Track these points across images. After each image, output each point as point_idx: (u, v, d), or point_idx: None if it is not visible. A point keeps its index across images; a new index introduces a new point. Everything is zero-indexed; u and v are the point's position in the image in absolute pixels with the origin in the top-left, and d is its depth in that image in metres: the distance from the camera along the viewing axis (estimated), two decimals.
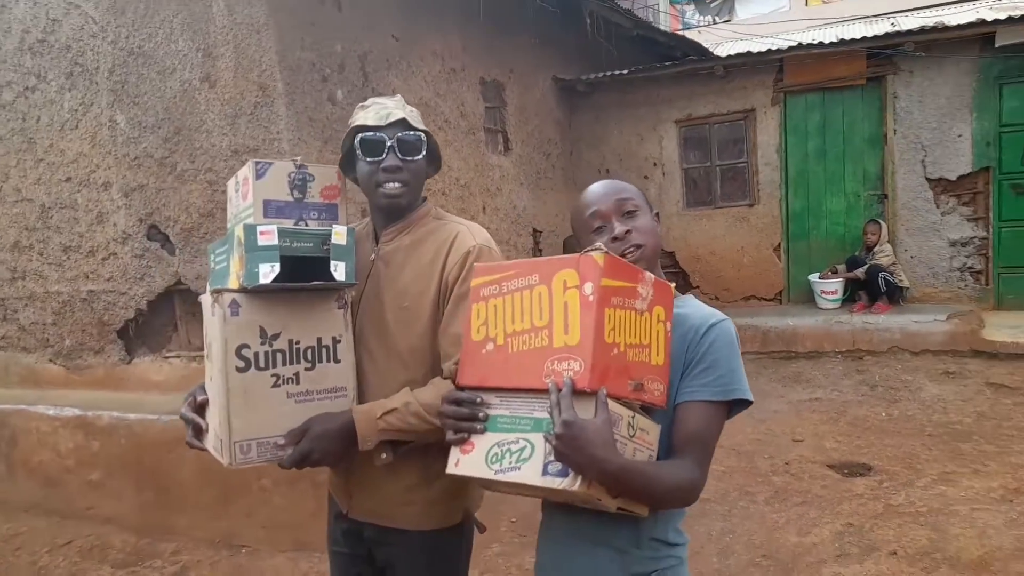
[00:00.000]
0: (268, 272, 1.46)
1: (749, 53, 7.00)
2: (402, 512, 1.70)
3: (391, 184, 1.61)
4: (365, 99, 4.57)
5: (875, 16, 10.15)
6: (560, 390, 1.15)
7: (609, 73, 7.31)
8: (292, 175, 1.57)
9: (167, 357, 4.42)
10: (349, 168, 1.73)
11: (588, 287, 1.17)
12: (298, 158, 1.62)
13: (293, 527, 3.64)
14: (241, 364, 1.50)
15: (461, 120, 5.58)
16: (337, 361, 1.60)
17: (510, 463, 1.23)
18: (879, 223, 6.78)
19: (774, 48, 7.05)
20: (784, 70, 7.05)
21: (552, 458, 1.15)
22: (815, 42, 6.81)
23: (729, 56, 7.08)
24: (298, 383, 1.55)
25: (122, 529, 4.02)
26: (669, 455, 1.29)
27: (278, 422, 1.53)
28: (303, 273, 1.50)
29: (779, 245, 7.36)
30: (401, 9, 4.88)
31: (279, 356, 1.54)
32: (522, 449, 1.22)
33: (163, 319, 4.42)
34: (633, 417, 1.22)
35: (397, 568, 1.75)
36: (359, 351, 1.67)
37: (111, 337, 4.52)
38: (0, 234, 4.78)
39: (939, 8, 9.41)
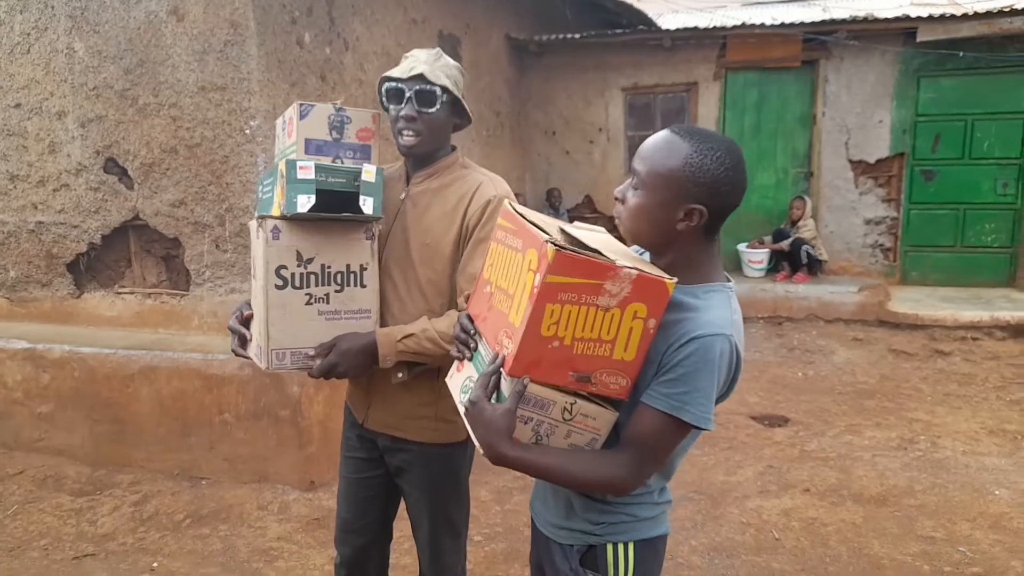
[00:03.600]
0: (305, 202, 1.65)
1: (696, 28, 7.28)
2: (412, 425, 1.91)
3: (407, 132, 1.78)
4: (332, 43, 4.59)
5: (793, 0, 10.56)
6: (491, 364, 1.24)
7: (561, 36, 7.46)
8: (331, 117, 1.74)
9: (120, 293, 4.39)
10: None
11: (536, 278, 1.15)
12: (338, 101, 1.77)
13: (255, 460, 3.77)
14: (280, 282, 1.70)
15: None
16: (363, 286, 1.80)
17: (465, 400, 1.35)
18: (804, 199, 7.27)
19: (719, 25, 7.34)
20: (727, 47, 7.38)
21: None
22: (757, 22, 7.14)
23: (678, 29, 7.34)
24: (328, 303, 1.75)
25: (75, 461, 4.05)
26: (619, 442, 1.31)
27: (309, 336, 1.74)
28: (337, 205, 1.68)
29: None
30: None
31: (312, 278, 1.73)
32: None
33: (116, 254, 4.37)
34: (573, 403, 1.25)
35: (408, 473, 1.98)
36: (384, 280, 1.86)
37: (60, 270, 4.44)
38: None
39: None
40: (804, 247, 7.05)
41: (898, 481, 3.81)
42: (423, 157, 1.85)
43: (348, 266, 1.77)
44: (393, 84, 1.78)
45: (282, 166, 1.65)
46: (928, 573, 2.99)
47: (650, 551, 1.44)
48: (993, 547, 3.17)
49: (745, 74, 7.49)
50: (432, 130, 1.79)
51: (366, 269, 1.80)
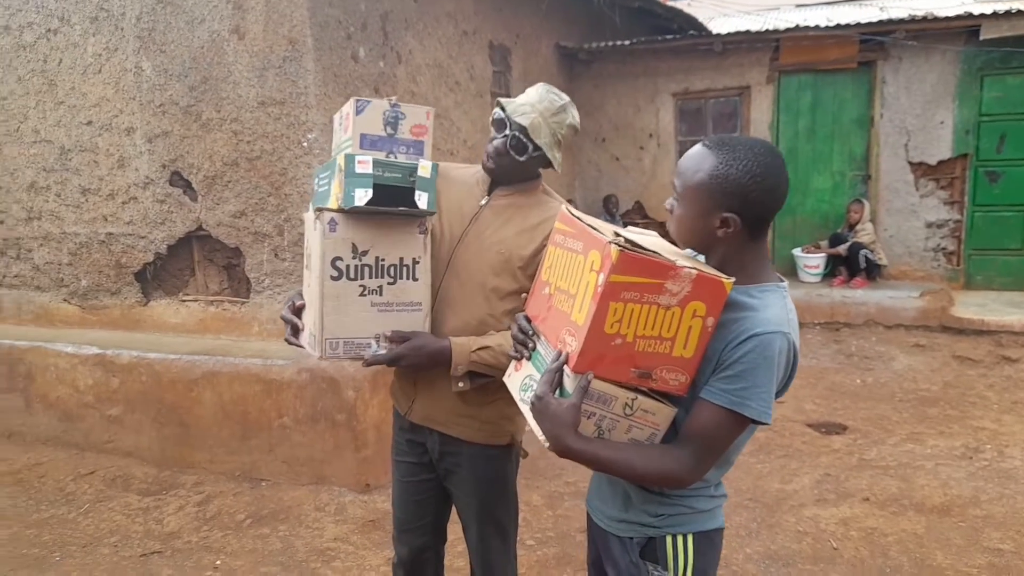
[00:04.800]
0: (362, 196, 1.69)
1: (748, 32, 7.18)
2: (458, 423, 1.96)
3: (491, 162, 1.89)
4: (385, 57, 4.70)
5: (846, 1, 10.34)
6: (556, 361, 1.29)
7: (611, 43, 7.46)
8: (386, 113, 1.77)
9: (184, 300, 4.57)
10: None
11: (600, 277, 1.21)
12: (393, 98, 1.82)
13: (313, 463, 3.87)
14: (335, 273, 1.74)
15: (471, 83, 5.72)
16: (415, 279, 1.84)
17: (528, 397, 1.39)
18: (862, 202, 7.09)
19: (771, 28, 7.24)
20: (780, 50, 7.26)
21: None
22: (811, 24, 7.02)
23: (728, 33, 7.26)
24: (381, 295, 1.80)
25: (142, 462, 4.22)
26: (678, 437, 1.35)
27: (362, 326, 1.79)
28: (393, 199, 1.73)
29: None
30: None
31: (367, 270, 1.78)
32: None
33: (181, 263, 4.56)
34: (634, 399, 1.30)
35: (455, 476, 2.02)
36: (450, 277, 1.92)
37: (128, 279, 4.65)
38: (16, 174, 4.86)
39: None
40: (862, 251, 6.87)
41: (962, 491, 3.68)
42: (492, 177, 1.95)
43: (401, 259, 1.82)
44: (500, 114, 1.86)
45: (340, 160, 1.71)
46: None
47: (707, 543, 1.47)
48: None
49: (799, 76, 7.36)
50: (513, 169, 1.89)
51: (419, 263, 1.84)
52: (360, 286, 1.78)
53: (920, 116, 6.96)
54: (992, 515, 3.43)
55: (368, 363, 1.82)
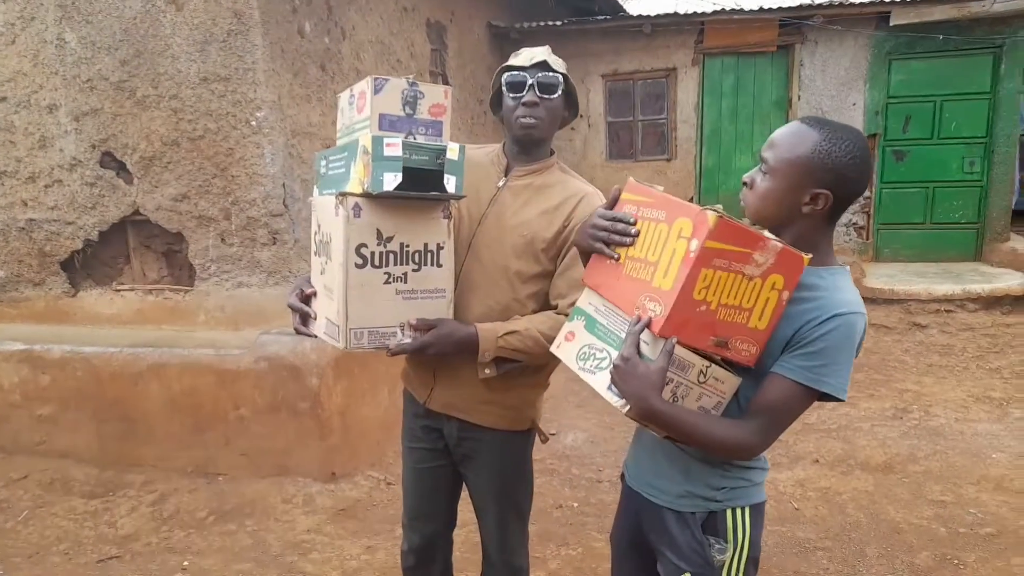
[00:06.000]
0: (392, 180, 1.62)
1: (676, 14, 7.36)
2: (479, 410, 1.94)
3: (527, 118, 1.82)
4: (330, 32, 4.57)
5: None
6: (637, 325, 1.29)
7: (542, 23, 7.47)
8: (405, 92, 1.69)
9: (118, 290, 4.30)
10: (497, 106, 1.95)
11: (694, 243, 1.22)
12: (411, 76, 1.75)
13: (274, 453, 3.75)
14: (359, 261, 1.68)
15: (411, 61, 5.60)
16: (439, 266, 1.78)
17: (591, 366, 1.42)
18: None
19: (698, 11, 7.44)
20: (705, 32, 7.48)
21: None
22: (736, 8, 7.26)
23: (657, 15, 7.40)
24: (405, 282, 1.74)
25: (81, 463, 3.96)
26: (746, 410, 1.38)
27: (386, 315, 1.73)
28: (421, 183, 1.66)
29: (691, 199, 7.89)
30: None
31: (391, 257, 1.72)
32: (603, 359, 1.40)
33: (114, 251, 4.28)
34: (708, 367, 1.32)
35: (474, 461, 2.00)
36: (472, 262, 1.88)
37: (53, 269, 4.33)
38: None
39: None
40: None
41: (900, 449, 3.97)
42: (532, 146, 1.89)
43: (426, 245, 1.76)
44: (516, 73, 1.82)
45: (366, 142, 1.62)
46: (945, 535, 3.13)
47: (759, 516, 1.52)
48: (1000, 508, 3.34)
49: (722, 59, 7.61)
50: (551, 116, 1.85)
51: (443, 248, 1.78)
52: (385, 273, 1.72)
53: (835, 98, 7.34)
54: (930, 470, 3.72)
55: (393, 352, 1.77)
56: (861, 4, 6.85)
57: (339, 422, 3.75)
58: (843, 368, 1.32)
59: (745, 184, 1.42)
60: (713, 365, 1.35)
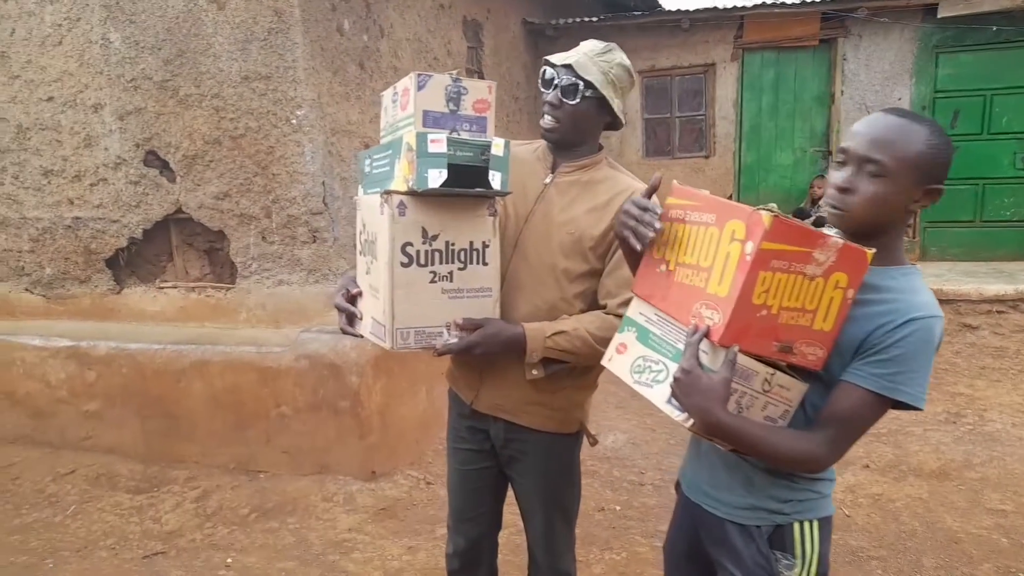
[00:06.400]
0: (437, 177, 1.59)
1: (715, 8, 7.23)
2: (527, 411, 1.89)
3: (547, 118, 1.79)
4: (368, 30, 4.55)
5: None
6: (695, 335, 1.23)
7: (579, 19, 7.40)
8: (448, 88, 1.66)
9: (162, 287, 4.34)
10: None
11: (749, 246, 1.17)
12: (454, 72, 1.72)
13: (315, 452, 3.75)
14: (405, 260, 1.65)
15: (448, 59, 5.58)
16: (485, 264, 1.74)
17: (647, 379, 1.37)
18: (825, 178, 7.25)
19: (738, 5, 7.31)
20: (744, 27, 7.34)
21: None
22: (776, 1, 7.11)
23: (696, 10, 7.29)
24: (451, 281, 1.71)
25: (126, 458, 4.01)
26: (814, 420, 1.32)
27: (433, 314, 1.70)
28: (466, 180, 1.63)
29: (730, 196, 7.76)
30: None
31: (437, 255, 1.68)
32: (660, 371, 1.35)
33: (157, 248, 4.32)
34: (772, 374, 1.27)
35: (522, 463, 1.96)
36: (519, 260, 1.84)
37: (98, 266, 4.38)
38: None
39: None
40: (826, 226, 7.05)
41: (954, 455, 3.84)
42: (563, 146, 1.84)
43: (471, 243, 1.73)
44: (548, 68, 1.78)
45: (410, 139, 1.60)
46: (1008, 547, 3.01)
47: (828, 529, 1.45)
48: None
49: (762, 54, 7.46)
50: (573, 121, 1.78)
51: (488, 246, 1.75)
52: (431, 272, 1.69)
53: (879, 93, 7.15)
54: (987, 477, 3.58)
55: (440, 353, 1.74)
56: None
57: (379, 421, 3.74)
58: (920, 375, 1.25)
59: (843, 189, 1.29)
60: (778, 372, 1.29)
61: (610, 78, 1.78)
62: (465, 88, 1.69)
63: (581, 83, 1.74)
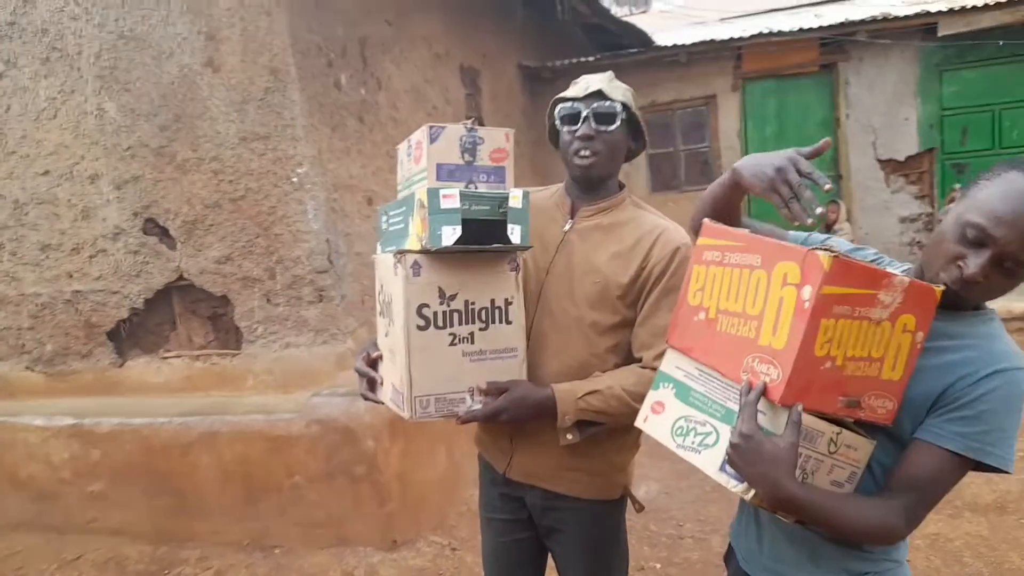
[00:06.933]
0: (451, 234, 1.49)
1: (712, 41, 7.22)
2: (564, 478, 1.73)
3: (584, 152, 1.63)
4: (366, 84, 4.49)
5: (809, 4, 10.60)
6: (750, 394, 1.08)
7: (574, 60, 7.39)
8: (463, 138, 1.57)
9: (165, 358, 4.19)
10: (554, 141, 1.77)
11: (807, 291, 1.04)
12: (469, 121, 1.62)
13: (332, 523, 3.55)
14: (422, 323, 1.53)
15: (447, 107, 5.53)
16: (509, 322, 1.62)
17: (692, 443, 1.22)
18: (838, 203, 7.14)
19: (735, 36, 7.29)
20: (743, 57, 7.31)
21: None
22: (775, 30, 7.09)
23: (693, 44, 7.27)
24: (473, 342, 1.58)
25: (135, 540, 3.81)
26: (885, 485, 1.18)
27: (454, 379, 1.57)
28: (483, 236, 1.52)
29: None
30: None
31: (456, 316, 1.57)
32: (708, 434, 1.20)
33: (160, 318, 4.19)
34: (838, 434, 1.13)
35: (562, 534, 1.79)
36: (543, 317, 1.70)
37: (100, 340, 4.25)
38: None
39: None
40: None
41: (1010, 487, 3.61)
42: (593, 185, 1.70)
43: (493, 301, 1.60)
44: (569, 104, 1.65)
45: (422, 195, 1.49)
46: None
47: None
48: None
49: (763, 83, 7.42)
50: (610, 150, 1.65)
51: (511, 304, 1.62)
52: (450, 335, 1.56)
53: (885, 114, 7.07)
54: None
55: (463, 420, 1.59)
56: (906, 17, 6.63)
57: (397, 486, 3.54)
58: (1010, 435, 1.11)
59: (974, 281, 1.09)
60: (844, 431, 1.13)
61: (629, 98, 1.67)
62: (481, 138, 1.59)
63: (618, 105, 1.62)
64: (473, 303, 1.58)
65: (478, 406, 1.59)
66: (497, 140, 1.62)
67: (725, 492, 3.68)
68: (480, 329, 1.59)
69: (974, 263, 1.08)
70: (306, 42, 3.75)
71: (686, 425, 1.24)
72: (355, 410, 3.48)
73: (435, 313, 1.55)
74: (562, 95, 1.68)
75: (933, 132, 7.01)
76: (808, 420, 1.09)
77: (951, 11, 6.45)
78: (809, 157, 1.16)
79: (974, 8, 6.37)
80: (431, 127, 1.55)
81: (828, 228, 7.14)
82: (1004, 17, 6.33)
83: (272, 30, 3.61)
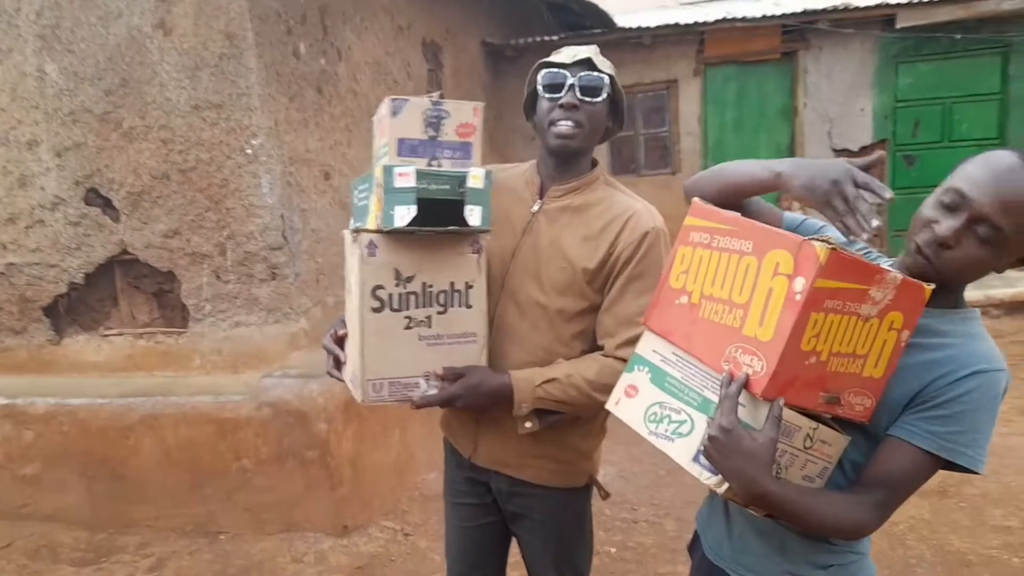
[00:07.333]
0: (404, 215, 1.44)
1: (676, 24, 7.19)
2: (529, 465, 1.70)
3: (565, 123, 1.55)
4: (326, 54, 4.34)
5: None
6: (731, 385, 1.05)
7: (537, 39, 7.28)
8: (427, 112, 1.51)
9: (106, 335, 4.00)
10: (531, 111, 1.68)
11: (799, 283, 1.01)
12: (435, 94, 1.56)
13: (280, 507, 3.46)
14: (376, 304, 1.50)
15: (408, 81, 5.38)
16: (469, 307, 1.58)
17: (665, 430, 1.19)
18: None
19: (699, 20, 7.27)
20: (705, 42, 7.30)
21: None
22: (738, 16, 7.09)
23: (657, 26, 7.23)
24: (430, 326, 1.55)
25: (70, 526, 3.65)
26: (855, 480, 1.18)
27: (410, 363, 1.54)
28: (440, 216, 1.47)
29: None
30: None
31: (412, 298, 1.53)
32: (682, 422, 1.17)
33: (101, 293, 3.99)
34: (815, 429, 1.12)
35: (528, 520, 1.77)
36: (507, 303, 1.64)
37: (35, 315, 4.03)
38: None
39: None
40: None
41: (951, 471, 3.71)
42: (567, 159, 1.62)
43: (452, 284, 1.56)
44: (555, 71, 1.55)
45: (378, 173, 1.44)
46: (1019, 566, 2.88)
47: None
48: None
49: (724, 68, 7.42)
50: (592, 124, 1.58)
51: (472, 287, 1.58)
52: (405, 317, 1.53)
53: (842, 104, 7.16)
54: (987, 492, 3.46)
55: (418, 405, 1.55)
56: (866, 7, 6.71)
57: (350, 470, 3.46)
58: (983, 436, 1.11)
59: (944, 245, 1.09)
60: (820, 427, 1.11)
61: (615, 73, 1.61)
62: (447, 112, 1.52)
63: (605, 76, 1.56)
64: (431, 286, 1.54)
65: (434, 391, 1.55)
66: (464, 114, 1.55)
67: (678, 476, 3.67)
68: (438, 312, 1.55)
69: (947, 224, 1.08)
70: (264, 7, 3.57)
71: (660, 412, 1.21)
72: (308, 392, 3.37)
73: (390, 295, 1.51)
74: (547, 59, 1.60)
75: (887, 123, 7.13)
76: (787, 415, 1.07)
77: (909, 3, 6.53)
78: (864, 169, 1.11)
79: (931, 2, 6.47)
80: (393, 99, 1.49)
81: None
82: (959, 12, 6.44)
83: None
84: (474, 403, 1.57)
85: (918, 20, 6.59)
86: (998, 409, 1.11)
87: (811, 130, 7.30)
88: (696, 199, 1.27)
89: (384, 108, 1.51)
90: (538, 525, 1.75)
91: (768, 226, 1.11)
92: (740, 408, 1.06)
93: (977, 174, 1.07)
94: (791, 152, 7.51)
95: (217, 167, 3.58)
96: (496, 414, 1.62)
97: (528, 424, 1.59)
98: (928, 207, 1.12)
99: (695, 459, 1.12)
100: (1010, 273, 6.73)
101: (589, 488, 1.79)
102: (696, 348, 1.18)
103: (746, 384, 1.05)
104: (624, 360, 1.49)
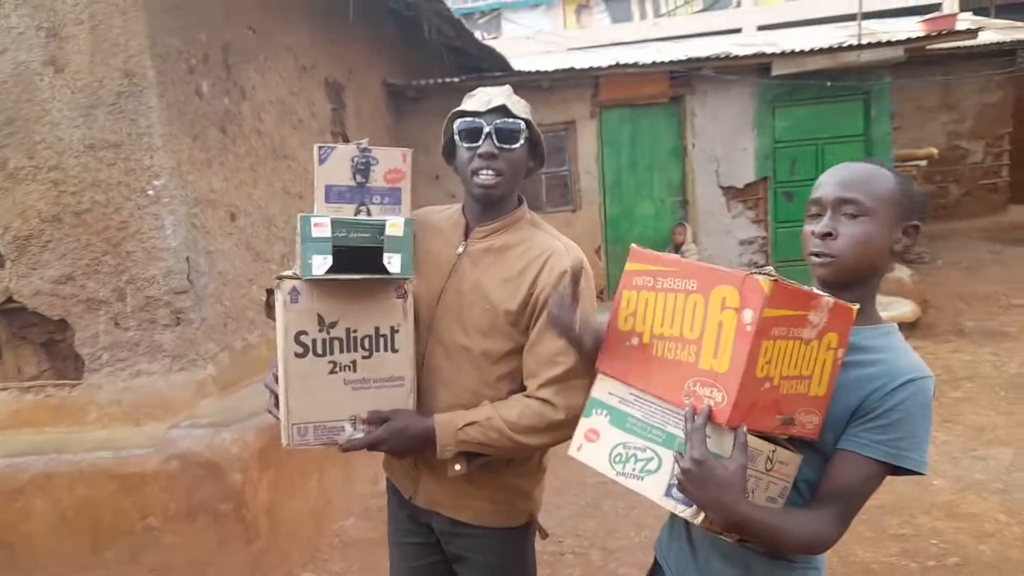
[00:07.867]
0: (321, 264, 1.48)
1: (572, 68, 7.48)
2: (467, 506, 1.70)
3: (485, 173, 1.57)
4: (229, 93, 4.27)
5: (653, 40, 11.28)
6: (696, 419, 1.10)
7: (438, 80, 7.39)
8: (355, 159, 1.55)
9: None
10: (450, 156, 1.69)
11: (748, 314, 1.08)
12: (363, 141, 1.59)
13: (192, 566, 3.27)
14: (299, 350, 1.52)
15: (312, 121, 5.33)
16: (395, 351, 1.60)
17: (633, 470, 1.22)
18: (685, 225, 7.63)
19: (594, 66, 7.61)
20: (600, 86, 7.64)
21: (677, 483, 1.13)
22: (630, 62, 7.48)
23: (555, 71, 7.50)
24: (355, 371, 1.57)
25: None
26: (812, 497, 1.25)
27: (335, 408, 1.56)
28: (358, 262, 1.51)
29: (599, 248, 7.95)
30: None
31: (336, 344, 1.55)
32: (649, 460, 1.20)
33: None
34: (774, 451, 1.18)
35: (470, 560, 1.76)
36: (434, 345, 1.66)
37: None
38: None
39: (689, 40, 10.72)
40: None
41: None
42: (492, 204, 1.65)
43: (377, 329, 1.58)
44: (469, 120, 1.58)
45: (298, 223, 1.48)
46: (917, 570, 3.10)
47: None
48: (957, 535, 3.36)
49: (619, 111, 7.78)
50: (513, 169, 1.61)
51: (397, 332, 1.59)
52: (330, 363, 1.54)
53: (727, 144, 7.65)
54: (883, 504, 3.71)
55: (344, 449, 1.57)
56: (745, 56, 7.25)
57: (266, 521, 3.33)
58: (922, 439, 1.21)
59: (826, 235, 1.25)
60: (777, 449, 1.18)
61: (530, 114, 1.66)
62: (375, 159, 1.57)
63: (521, 122, 1.59)
64: (355, 331, 1.56)
65: (360, 435, 1.56)
66: (393, 161, 1.59)
67: (600, 506, 3.72)
68: (363, 357, 1.57)
69: (821, 223, 1.27)
70: (165, 45, 3.48)
71: (625, 452, 1.24)
72: (219, 441, 3.23)
73: (314, 340, 1.53)
74: (461, 108, 1.62)
75: (768, 162, 7.67)
76: (750, 440, 1.13)
77: (783, 53, 7.12)
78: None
79: (802, 52, 7.08)
80: (320, 147, 1.53)
81: (676, 249, 7.59)
82: (826, 61, 7.08)
83: (128, 30, 3.32)
84: (400, 447, 1.58)
85: (791, 68, 7.18)
86: (931, 413, 1.21)
87: (700, 168, 7.75)
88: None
89: (314, 155, 1.54)
90: (479, 566, 1.74)
91: (709, 264, 1.20)
92: (710, 438, 1.11)
93: (819, 181, 1.32)
94: (683, 188, 7.93)
95: (115, 209, 3.43)
96: (430, 456, 1.61)
97: (457, 467, 1.60)
98: (805, 227, 1.32)
99: (667, 494, 1.16)
100: (880, 298, 7.36)
101: (530, 526, 1.79)
102: (654, 386, 1.23)
103: (710, 416, 1.11)
104: (546, 401, 1.54)
